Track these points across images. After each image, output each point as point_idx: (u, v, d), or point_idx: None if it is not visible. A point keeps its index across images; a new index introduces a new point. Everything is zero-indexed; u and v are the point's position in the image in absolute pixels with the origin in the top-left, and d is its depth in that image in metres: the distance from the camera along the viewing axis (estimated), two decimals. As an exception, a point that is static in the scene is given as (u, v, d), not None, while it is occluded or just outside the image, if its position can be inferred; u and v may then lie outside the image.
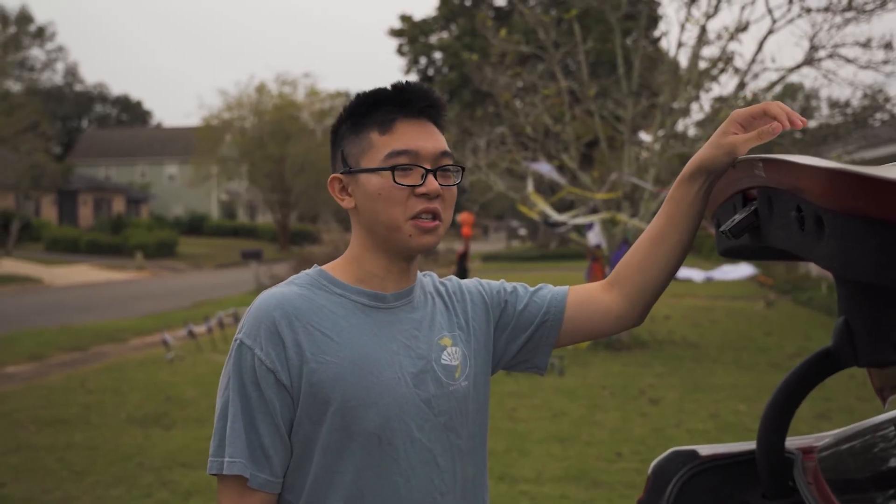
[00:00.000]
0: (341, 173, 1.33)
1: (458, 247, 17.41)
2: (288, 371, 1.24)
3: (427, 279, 1.45)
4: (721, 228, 1.45)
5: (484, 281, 1.52)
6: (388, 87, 1.31)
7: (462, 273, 12.64)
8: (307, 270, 1.37)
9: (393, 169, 1.26)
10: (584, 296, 1.49)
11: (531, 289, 1.52)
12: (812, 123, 10.00)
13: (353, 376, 1.25)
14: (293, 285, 1.32)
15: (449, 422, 1.33)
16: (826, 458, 1.77)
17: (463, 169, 1.37)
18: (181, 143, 49.03)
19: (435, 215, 1.29)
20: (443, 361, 1.34)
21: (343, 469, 1.26)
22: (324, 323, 1.27)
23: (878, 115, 9.66)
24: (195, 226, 43.44)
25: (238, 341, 1.26)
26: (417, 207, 1.28)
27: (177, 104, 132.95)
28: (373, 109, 1.30)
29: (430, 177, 1.28)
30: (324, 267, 1.37)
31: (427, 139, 1.30)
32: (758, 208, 1.36)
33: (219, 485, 1.26)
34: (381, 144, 1.28)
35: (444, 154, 1.31)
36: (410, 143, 1.28)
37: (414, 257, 1.35)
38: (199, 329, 11.08)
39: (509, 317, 1.47)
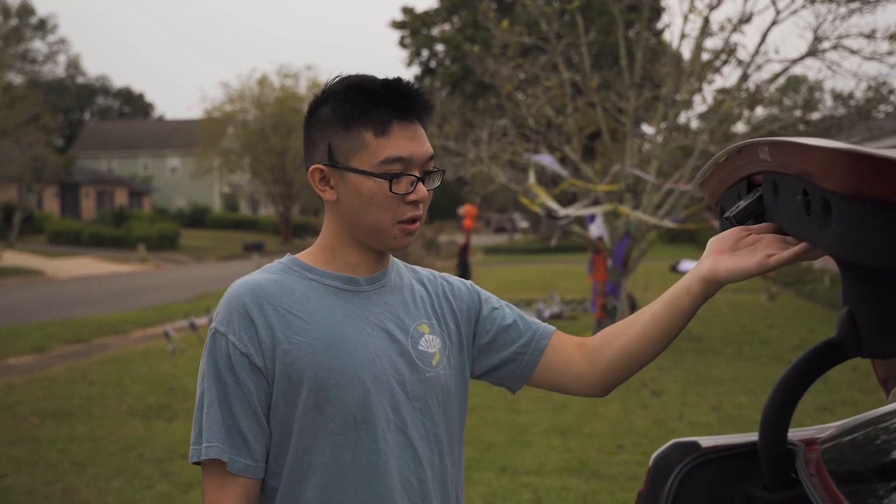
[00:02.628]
0: (326, 165, 1.31)
1: (460, 239, 17.40)
2: (261, 354, 1.24)
3: (406, 269, 1.45)
4: (725, 215, 1.43)
5: (475, 286, 1.51)
6: (381, 83, 1.29)
7: (464, 267, 12.61)
8: (280, 259, 1.38)
9: (391, 178, 1.26)
10: (559, 346, 1.46)
11: (518, 313, 1.50)
12: (815, 115, 9.95)
13: (326, 356, 1.25)
14: (265, 272, 1.33)
15: (425, 408, 1.33)
16: (829, 450, 1.76)
17: (444, 171, 1.38)
18: (183, 136, 49.01)
19: (418, 220, 1.31)
20: (420, 347, 1.34)
21: (320, 450, 1.26)
22: (295, 305, 1.28)
23: (882, 107, 9.62)
24: (197, 218, 43.45)
25: (213, 330, 1.27)
26: (407, 213, 1.29)
27: (179, 97, 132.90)
28: (367, 106, 1.28)
29: (420, 184, 1.29)
30: (297, 255, 1.37)
31: (419, 144, 1.30)
32: (763, 194, 1.35)
33: (203, 472, 1.27)
34: (377, 147, 1.27)
35: (430, 158, 1.32)
36: (405, 150, 1.28)
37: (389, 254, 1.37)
38: (201, 321, 11.09)
39: (486, 331, 1.45)
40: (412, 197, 1.29)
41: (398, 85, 1.29)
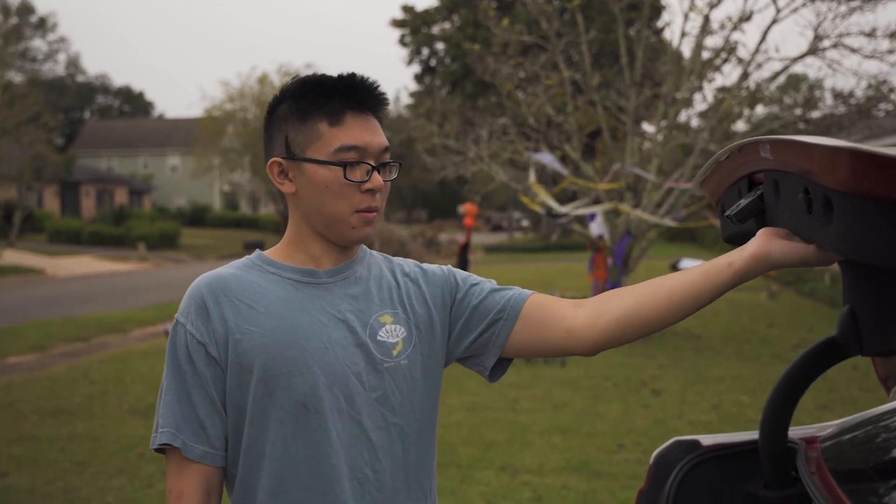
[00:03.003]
0: (283, 158, 1.33)
1: (461, 238, 17.38)
2: (216, 343, 1.27)
3: (383, 260, 1.45)
4: (726, 213, 1.43)
5: (454, 269, 1.49)
6: (336, 77, 1.32)
7: (464, 265, 12.62)
8: (249, 255, 1.41)
9: (345, 165, 1.28)
10: (545, 302, 1.43)
11: (496, 286, 1.46)
12: (816, 114, 9.94)
13: (276, 345, 1.27)
14: (229, 267, 1.37)
15: (383, 398, 1.33)
16: (829, 448, 1.76)
17: (401, 164, 1.39)
18: (183, 135, 49.00)
19: (375, 209, 1.33)
20: (378, 337, 1.34)
21: (271, 438, 1.28)
22: (250, 296, 1.30)
23: (883, 106, 9.61)
24: (197, 217, 43.45)
25: (175, 321, 1.32)
26: (363, 203, 1.31)
27: (179, 95, 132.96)
28: (321, 99, 1.30)
29: (375, 173, 1.31)
30: (264, 252, 1.40)
31: (373, 135, 1.32)
32: (764, 192, 1.34)
33: (165, 461, 1.30)
34: (331, 137, 1.29)
35: (385, 149, 1.34)
36: (359, 139, 1.30)
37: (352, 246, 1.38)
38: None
39: (465, 308, 1.42)
40: (368, 185, 1.30)
41: (352, 79, 1.32)
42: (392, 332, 1.35)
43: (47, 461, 5.04)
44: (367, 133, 1.31)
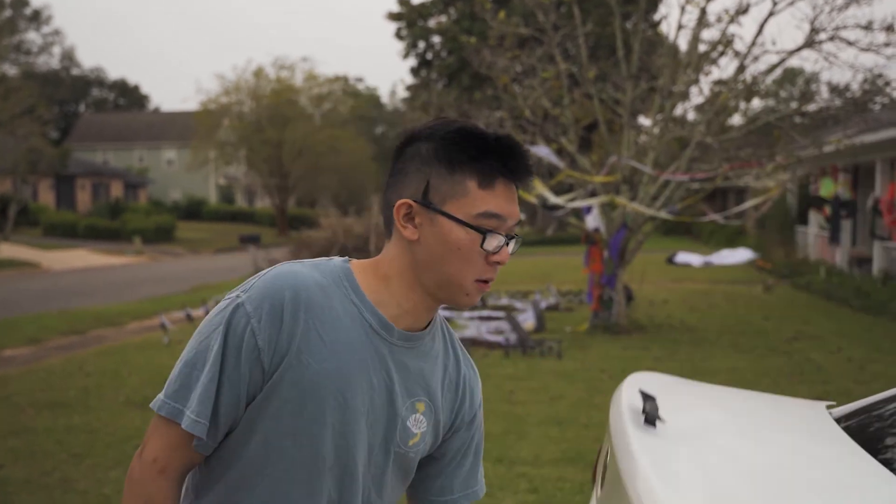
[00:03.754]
0: (417, 203, 1.25)
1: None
2: (272, 354, 1.21)
3: (444, 341, 1.39)
4: None
5: (480, 408, 1.47)
6: (493, 135, 1.26)
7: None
8: (336, 259, 1.33)
9: (486, 233, 1.23)
10: None
11: (472, 466, 1.46)
12: (812, 107, 9.94)
13: (325, 389, 1.22)
14: (317, 271, 1.28)
15: (379, 477, 1.32)
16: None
17: (522, 239, 1.34)
18: (179, 128, 48.87)
19: (493, 280, 1.28)
20: (408, 423, 1.31)
21: (272, 473, 1.24)
22: (325, 324, 1.23)
23: (879, 99, 9.62)
24: (193, 210, 43.38)
25: (239, 300, 1.23)
26: (486, 274, 1.26)
27: (174, 88, 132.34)
28: (476, 154, 1.23)
29: (506, 247, 1.26)
30: (353, 264, 1.32)
31: (514, 206, 1.27)
32: None
33: (157, 423, 1.24)
34: (479, 199, 1.23)
35: (519, 222, 1.29)
36: (504, 209, 1.25)
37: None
38: (197, 313, 11.09)
39: (447, 449, 1.43)
40: (496, 258, 1.25)
41: (509, 142, 1.25)
42: (418, 423, 1.33)
43: (44, 453, 5.04)
44: (510, 203, 1.25)
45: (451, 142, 1.24)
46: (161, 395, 1.23)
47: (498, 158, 1.24)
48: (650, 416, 1.49)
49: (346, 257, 1.34)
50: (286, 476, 1.24)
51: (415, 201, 1.25)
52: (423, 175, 1.25)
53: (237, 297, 1.24)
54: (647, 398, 1.58)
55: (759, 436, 1.63)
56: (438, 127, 1.26)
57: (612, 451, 1.57)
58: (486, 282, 1.26)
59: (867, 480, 1.36)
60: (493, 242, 1.24)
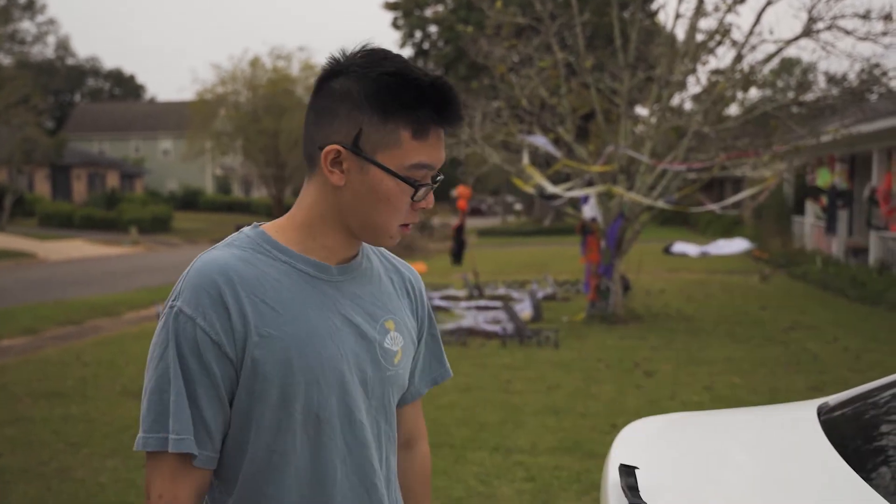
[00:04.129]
0: (348, 150, 1.21)
1: (453, 221, 17.36)
2: (233, 343, 1.18)
3: (375, 257, 1.40)
4: None
5: (429, 303, 1.50)
6: (427, 80, 1.19)
7: (460, 247, 12.61)
8: (245, 230, 1.30)
9: (417, 186, 1.22)
10: (418, 417, 1.52)
11: (431, 355, 1.50)
12: (809, 96, 9.93)
13: (296, 353, 1.21)
14: (233, 248, 1.25)
15: (381, 407, 1.32)
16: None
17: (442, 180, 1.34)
18: (175, 118, 48.71)
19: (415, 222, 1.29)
20: (385, 345, 1.31)
21: (282, 449, 1.22)
22: (268, 293, 1.21)
23: (876, 89, 9.61)
24: (190, 201, 43.30)
25: (175, 309, 1.19)
26: (410, 219, 1.26)
27: (170, 78, 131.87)
28: (411, 103, 1.19)
29: (431, 192, 1.25)
30: (265, 227, 1.29)
31: (441, 153, 1.24)
32: None
33: (151, 462, 1.19)
34: (412, 150, 1.20)
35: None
36: (434, 157, 1.23)
37: None
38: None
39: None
40: (422, 204, 1.25)
41: (444, 87, 1.20)
42: (394, 340, 1.33)
43: (41, 442, 5.05)
44: (440, 150, 1.23)
45: (385, 87, 1.19)
46: (140, 434, 1.19)
47: (433, 107, 1.19)
48: (632, 498, 1.45)
49: (255, 223, 1.31)
50: (294, 449, 1.22)
51: (345, 147, 1.21)
52: (355, 121, 1.20)
53: (171, 307, 1.20)
54: (627, 473, 1.51)
55: (752, 487, 1.58)
56: (369, 65, 1.20)
57: None
58: (408, 226, 1.27)
59: None
60: (423, 193, 1.24)
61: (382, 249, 1.42)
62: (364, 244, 1.36)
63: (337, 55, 1.24)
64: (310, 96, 1.27)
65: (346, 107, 1.21)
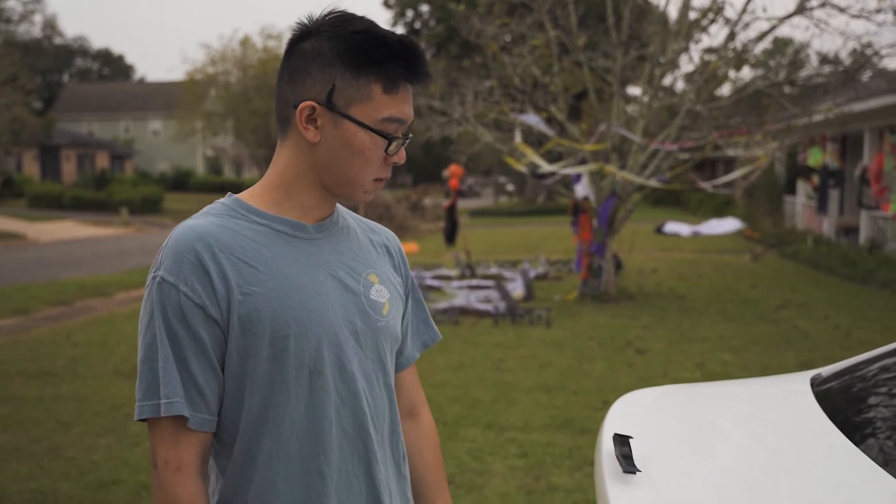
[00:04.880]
0: (322, 105, 1.24)
1: (444, 202, 17.30)
2: (217, 304, 1.20)
3: (352, 219, 1.43)
4: None
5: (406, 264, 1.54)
6: (397, 38, 1.23)
7: (453, 227, 12.57)
8: (220, 200, 1.32)
9: (390, 139, 1.25)
10: (414, 383, 1.53)
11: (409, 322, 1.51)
12: (803, 73, 9.90)
13: (282, 307, 1.22)
14: (209, 216, 1.27)
15: (377, 358, 1.33)
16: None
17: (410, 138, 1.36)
18: (165, 98, 48.36)
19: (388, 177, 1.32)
20: (371, 296, 1.33)
21: (276, 402, 1.24)
22: (247, 253, 1.23)
23: (868, 69, 9.60)
24: (180, 182, 43.10)
25: (158, 279, 1.21)
26: (383, 173, 1.29)
27: (159, 58, 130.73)
28: (382, 59, 1.22)
29: (403, 148, 1.29)
30: (239, 195, 1.32)
31: (411, 108, 1.28)
32: None
33: (152, 430, 1.22)
34: (383, 104, 1.24)
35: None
36: (404, 112, 1.26)
37: None
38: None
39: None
40: (395, 159, 1.28)
41: (412, 45, 1.25)
42: (380, 293, 1.35)
43: (32, 421, 5.03)
44: (409, 106, 1.27)
45: (355, 44, 1.22)
46: (137, 404, 1.21)
47: (402, 63, 1.23)
48: (627, 466, 1.44)
49: (228, 193, 1.34)
50: (287, 402, 1.24)
51: (319, 104, 1.24)
52: (328, 77, 1.23)
53: (153, 277, 1.22)
54: (622, 442, 1.50)
55: (747, 457, 1.57)
56: (340, 25, 1.24)
57: None
58: (381, 180, 1.30)
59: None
60: (396, 146, 1.27)
61: (357, 216, 1.47)
62: (339, 206, 1.39)
63: (304, 19, 1.28)
64: (281, 60, 1.31)
65: (318, 65, 1.24)
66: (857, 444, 1.45)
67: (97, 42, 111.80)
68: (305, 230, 1.30)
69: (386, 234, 1.48)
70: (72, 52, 62.94)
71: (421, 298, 1.53)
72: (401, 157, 1.30)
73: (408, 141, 1.30)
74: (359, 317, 1.30)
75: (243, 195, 1.32)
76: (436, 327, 1.55)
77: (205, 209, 1.30)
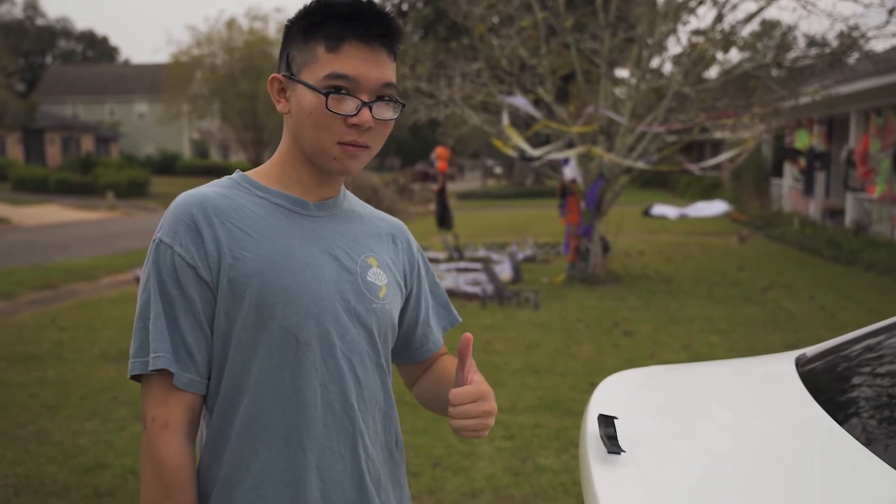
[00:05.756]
0: (282, 75, 1.29)
1: (433, 185, 17.24)
2: (208, 266, 1.22)
3: (360, 206, 1.44)
4: None
5: (425, 258, 1.53)
6: (343, 3, 1.24)
7: (443, 210, 12.53)
8: (230, 175, 1.35)
9: (328, 94, 1.22)
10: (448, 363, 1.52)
11: (432, 315, 1.53)
12: (791, 55, 9.90)
13: (271, 272, 1.23)
14: (213, 187, 1.30)
15: (370, 338, 1.33)
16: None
17: (403, 105, 1.31)
18: (150, 81, 47.93)
19: (362, 144, 1.26)
20: (368, 278, 1.33)
21: (257, 369, 1.24)
22: (243, 221, 1.26)
23: (854, 52, 9.60)
24: (167, 165, 42.79)
25: (157, 241, 1.24)
26: (347, 136, 1.25)
27: (144, 40, 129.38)
28: (326, 20, 1.24)
29: (366, 109, 1.23)
30: (248, 172, 1.34)
31: (372, 67, 1.24)
32: None
33: (143, 388, 1.24)
34: (325, 62, 1.23)
35: (387, 85, 1.26)
36: (352, 69, 1.23)
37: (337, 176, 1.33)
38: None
39: (406, 309, 1.48)
40: (353, 121, 1.23)
41: (360, 5, 1.24)
42: (377, 276, 1.35)
43: (18, 406, 5.00)
44: (364, 64, 1.23)
45: (306, 12, 1.27)
46: (129, 361, 1.24)
47: (342, 21, 1.23)
48: (611, 446, 1.43)
49: (237, 170, 1.36)
50: (271, 369, 1.24)
51: (282, 75, 1.29)
52: (286, 49, 1.29)
53: (153, 240, 1.25)
54: (606, 423, 1.50)
55: (732, 437, 1.56)
56: (308, 3, 1.29)
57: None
58: (351, 145, 1.25)
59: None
60: (342, 105, 1.23)
61: (370, 206, 1.47)
62: (349, 193, 1.41)
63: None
64: None
65: (284, 42, 1.31)
66: (840, 423, 1.45)
67: (81, 23, 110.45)
68: (305, 207, 1.31)
69: (395, 224, 1.48)
70: (55, 34, 62.22)
71: (438, 283, 1.54)
72: (361, 119, 1.23)
73: (389, 104, 1.26)
74: (353, 295, 1.30)
75: (250, 172, 1.35)
76: (455, 311, 1.56)
77: (211, 182, 1.33)
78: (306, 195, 1.32)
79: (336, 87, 1.22)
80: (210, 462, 1.27)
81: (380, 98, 1.26)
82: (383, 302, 1.34)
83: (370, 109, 1.24)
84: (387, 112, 1.27)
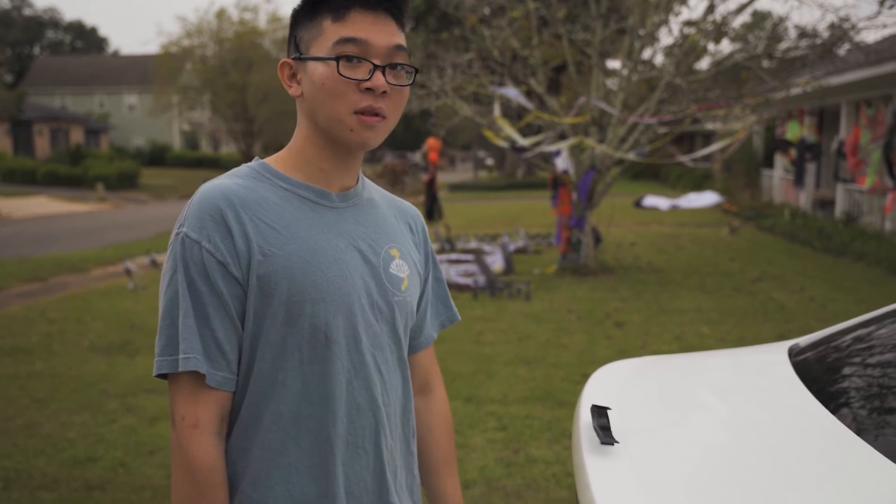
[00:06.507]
0: (291, 59, 1.27)
1: (424, 176, 17.21)
2: (238, 263, 1.20)
3: (377, 193, 1.43)
4: None
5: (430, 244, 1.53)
6: None
7: (432, 201, 12.52)
8: (248, 163, 1.32)
9: (338, 59, 1.20)
10: (432, 362, 1.53)
11: (436, 300, 1.52)
12: (782, 45, 9.90)
13: (300, 270, 1.22)
14: (235, 177, 1.27)
15: (393, 332, 1.33)
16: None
17: (417, 70, 1.29)
18: (140, 72, 47.62)
19: (378, 112, 1.23)
20: (391, 270, 1.33)
21: (287, 366, 1.23)
22: (269, 215, 1.23)
23: (845, 43, 9.61)
24: (157, 157, 42.59)
25: (182, 235, 1.21)
26: (362, 103, 1.22)
27: (133, 31, 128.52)
28: None
29: (378, 73, 1.22)
30: (266, 160, 1.32)
31: (380, 32, 1.22)
32: None
33: (171, 386, 1.21)
34: (332, 32, 1.22)
35: (397, 48, 1.24)
36: (361, 33, 1.21)
37: (357, 153, 1.30)
38: (163, 258, 10.93)
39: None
40: (367, 85, 1.21)
41: None
42: (400, 267, 1.34)
43: (6, 399, 4.97)
44: (372, 29, 1.22)
45: None
46: (155, 359, 1.21)
47: None
48: (604, 437, 1.43)
49: (256, 157, 1.35)
50: (300, 366, 1.23)
51: (291, 59, 1.28)
52: (293, 34, 1.28)
53: (177, 234, 1.22)
54: (599, 413, 1.49)
55: (725, 426, 1.55)
56: None
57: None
58: (369, 114, 1.22)
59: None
60: (355, 70, 1.21)
61: (384, 191, 1.46)
62: (366, 180, 1.39)
63: None
64: None
65: (290, 29, 1.30)
66: (833, 412, 1.45)
67: (69, 14, 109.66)
68: (329, 198, 1.29)
69: (411, 210, 1.48)
70: (42, 24, 61.73)
71: (442, 278, 1.53)
72: (375, 82, 1.21)
73: (398, 70, 1.24)
74: (377, 289, 1.29)
75: (269, 159, 1.32)
76: (455, 308, 1.55)
77: (231, 171, 1.30)
78: (328, 184, 1.30)
79: (347, 56, 1.21)
80: (236, 457, 1.25)
81: (391, 65, 1.24)
82: (405, 294, 1.34)
83: (383, 73, 1.22)
84: (401, 78, 1.26)
